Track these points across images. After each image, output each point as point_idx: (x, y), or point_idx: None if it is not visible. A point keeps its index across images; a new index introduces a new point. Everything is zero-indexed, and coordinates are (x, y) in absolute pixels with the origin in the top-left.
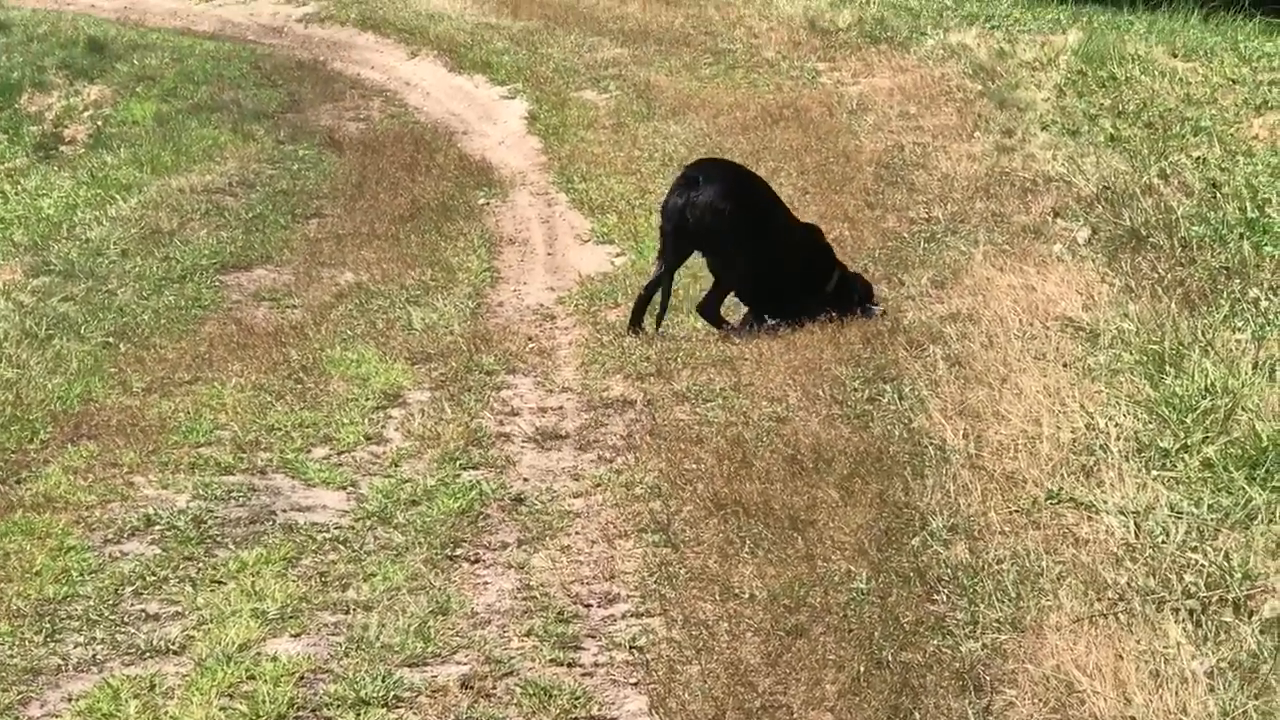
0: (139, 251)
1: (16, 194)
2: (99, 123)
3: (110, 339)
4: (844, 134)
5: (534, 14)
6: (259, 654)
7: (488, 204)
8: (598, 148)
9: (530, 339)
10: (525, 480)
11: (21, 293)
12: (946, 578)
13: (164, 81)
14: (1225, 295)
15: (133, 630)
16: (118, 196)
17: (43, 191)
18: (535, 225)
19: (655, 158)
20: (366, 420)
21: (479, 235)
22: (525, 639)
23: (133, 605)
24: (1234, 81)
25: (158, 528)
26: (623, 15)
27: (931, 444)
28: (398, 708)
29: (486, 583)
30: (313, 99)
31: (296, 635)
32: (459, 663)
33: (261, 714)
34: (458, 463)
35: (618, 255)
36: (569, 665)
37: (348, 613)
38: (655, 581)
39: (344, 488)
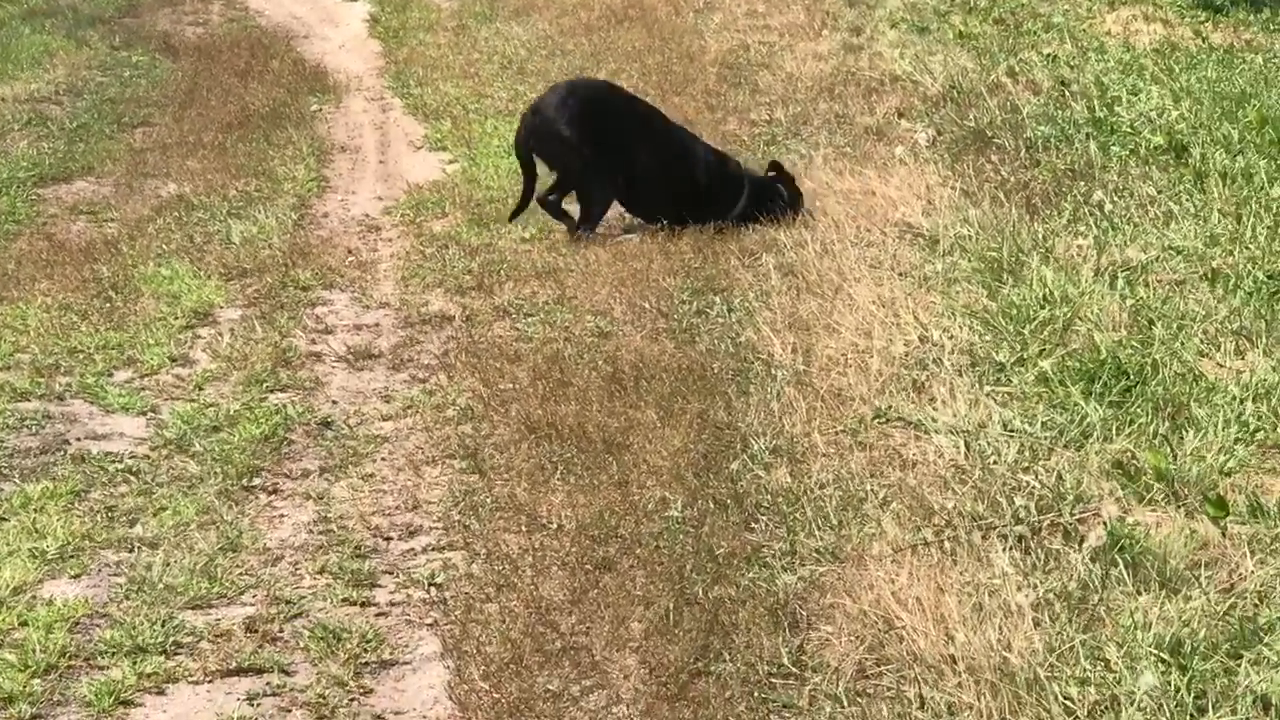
0: None
1: None
2: None
3: None
4: (689, 34)
5: None
6: (34, 598)
7: (320, 110)
8: (436, 51)
9: (350, 252)
10: (334, 403)
11: None
12: (766, 504)
13: None
14: (1069, 198)
15: None
16: None
17: None
18: (368, 132)
19: (494, 60)
20: (173, 341)
21: (309, 143)
22: (318, 577)
23: None
24: None
25: None
26: None
27: (758, 359)
28: (177, 654)
29: (283, 515)
30: (151, 3)
31: (76, 576)
32: (245, 604)
33: (30, 664)
34: (264, 385)
35: (450, 163)
36: (362, 605)
37: (132, 551)
38: (459, 512)
39: (144, 413)
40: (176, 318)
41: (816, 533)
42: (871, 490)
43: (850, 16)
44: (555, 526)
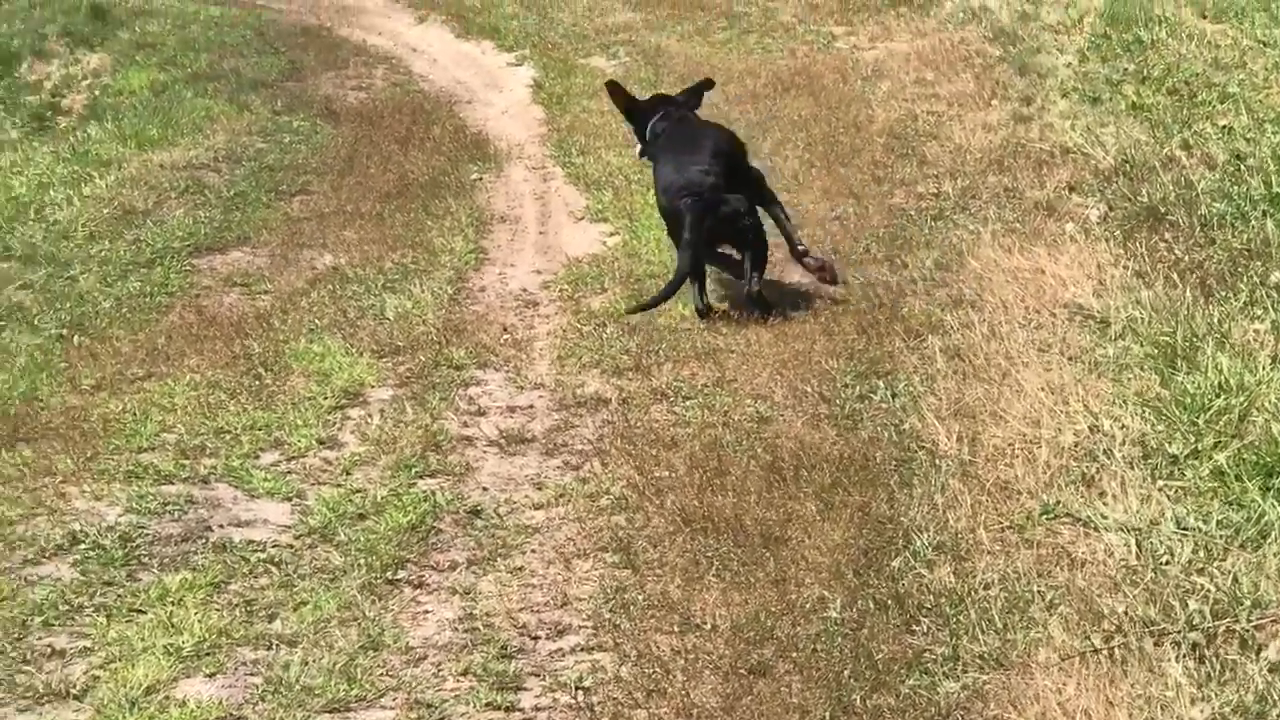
0: (108, 233)
1: None
2: (96, 92)
3: (64, 330)
4: (856, 102)
5: None
6: (167, 698)
7: (481, 179)
8: (599, 118)
9: (506, 329)
10: (484, 490)
11: None
12: (928, 605)
13: (164, 49)
14: (1245, 280)
15: (33, 670)
16: (95, 174)
17: (18, 169)
18: (529, 202)
19: None
20: (322, 422)
21: (468, 213)
22: (461, 679)
23: (39, 639)
24: (1264, 44)
25: (82, 546)
26: None
27: (922, 449)
28: None
29: (427, 611)
30: (315, 67)
31: (211, 675)
32: (385, 708)
33: None
34: (413, 470)
35: (610, 235)
36: (507, 710)
37: (270, 648)
38: (610, 610)
39: (289, 499)
40: (326, 397)
41: (980, 637)
42: (1038, 592)
43: (1020, 85)
44: (709, 627)
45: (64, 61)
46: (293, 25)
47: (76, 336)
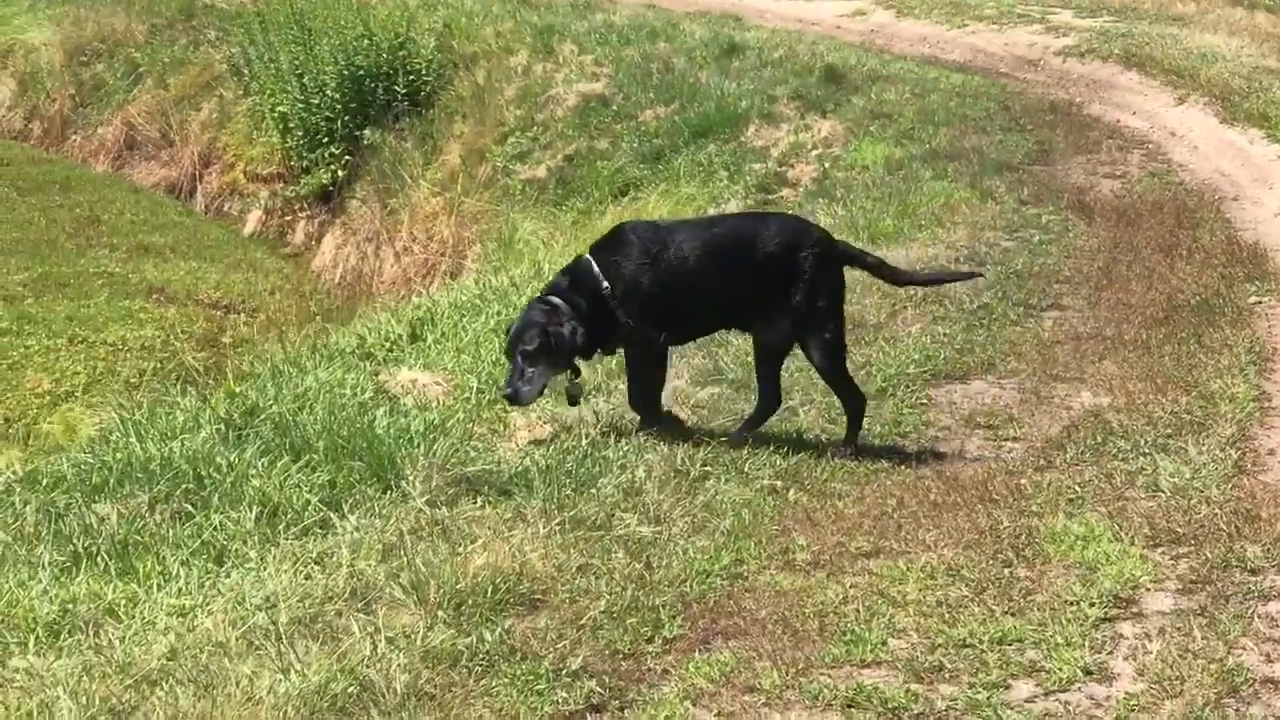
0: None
1: None
2: (825, 164)
3: (778, 481)
4: None
5: None
6: None
7: (1260, 303)
8: None
9: None
10: None
11: (684, 407)
12: None
13: (901, 120)
14: None
15: None
16: None
17: None
18: None
19: None
20: (1088, 641)
21: (1246, 348)
22: None
23: None
24: None
25: None
26: None
27: None
28: None
29: None
30: (1064, 149)
31: None
32: None
33: None
34: None
35: None
36: None
37: None
38: None
39: None
40: (1092, 603)
41: None
42: None
43: None
44: None
45: (793, 128)
46: (1039, 99)
47: (792, 491)
